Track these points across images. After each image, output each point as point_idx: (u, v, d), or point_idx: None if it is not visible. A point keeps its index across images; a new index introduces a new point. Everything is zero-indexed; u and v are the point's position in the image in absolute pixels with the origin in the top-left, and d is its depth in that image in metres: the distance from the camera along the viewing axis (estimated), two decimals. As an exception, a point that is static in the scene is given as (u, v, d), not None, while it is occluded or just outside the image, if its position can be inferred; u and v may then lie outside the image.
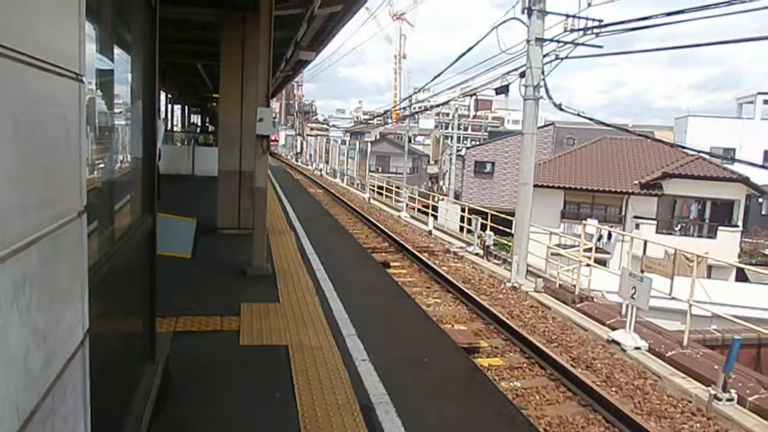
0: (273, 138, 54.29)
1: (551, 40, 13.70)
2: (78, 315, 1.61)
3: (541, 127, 34.26)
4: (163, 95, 26.05)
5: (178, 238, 6.10)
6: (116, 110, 3.34)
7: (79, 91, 1.49)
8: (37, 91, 1.22)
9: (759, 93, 41.25)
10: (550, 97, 13.64)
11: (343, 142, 56.31)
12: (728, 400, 6.72)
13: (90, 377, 1.74)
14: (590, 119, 15.50)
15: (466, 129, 77.62)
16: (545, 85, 13.64)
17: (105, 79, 2.89)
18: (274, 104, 45.66)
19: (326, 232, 11.96)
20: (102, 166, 2.92)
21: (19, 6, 1.13)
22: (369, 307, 6.83)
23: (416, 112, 53.27)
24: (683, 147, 29.90)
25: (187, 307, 6.16)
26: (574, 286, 11.53)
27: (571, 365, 7.90)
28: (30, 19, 1.19)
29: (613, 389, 7.38)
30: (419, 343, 5.91)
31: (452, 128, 49.57)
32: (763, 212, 36.41)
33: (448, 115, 72.11)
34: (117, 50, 3.15)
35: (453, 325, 9.38)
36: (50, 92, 1.30)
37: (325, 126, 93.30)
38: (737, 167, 27.42)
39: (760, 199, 34.40)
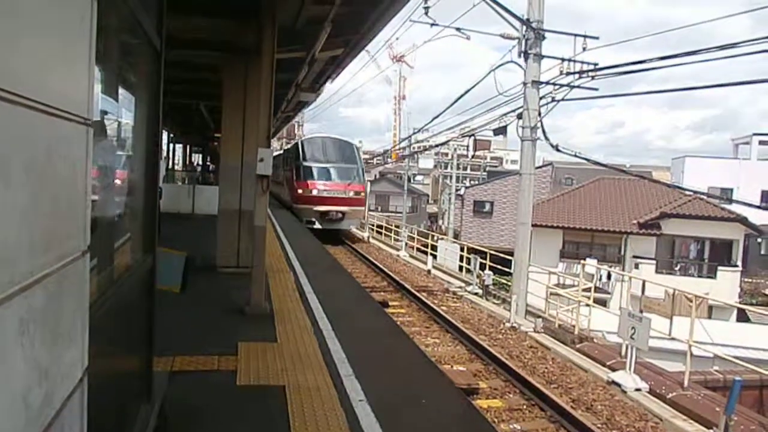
0: (359, 189, 24.74)
1: (547, 83, 13.97)
2: (78, 353, 1.63)
3: (540, 167, 34.53)
4: (164, 134, 26.34)
5: (168, 271, 6.10)
6: (120, 150, 3.41)
7: (87, 135, 1.55)
8: (48, 136, 1.28)
9: (755, 134, 41.76)
10: (547, 138, 13.84)
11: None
12: (730, 443, 6.63)
13: (87, 416, 1.75)
14: (586, 160, 15.69)
15: (465, 169, 78.13)
16: (542, 126, 13.86)
17: (110, 121, 2.97)
18: (275, 143, 44.26)
19: (325, 271, 11.95)
20: (105, 205, 2.97)
21: (33, 56, 1.19)
22: (367, 348, 6.79)
23: (416, 152, 53.65)
24: (680, 187, 30.11)
25: (185, 346, 6.13)
26: (574, 326, 11.47)
27: (572, 407, 7.82)
28: (43, 68, 1.25)
29: (614, 432, 7.29)
30: (417, 384, 5.86)
31: (451, 168, 49.94)
32: (762, 252, 36.39)
33: (447, 155, 72.69)
34: (123, 92, 3.23)
35: (452, 366, 9.31)
36: (60, 137, 1.36)
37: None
38: (735, 207, 27.57)
39: (759, 239, 34.45)
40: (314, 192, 23.88)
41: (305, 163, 24.65)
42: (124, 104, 3.28)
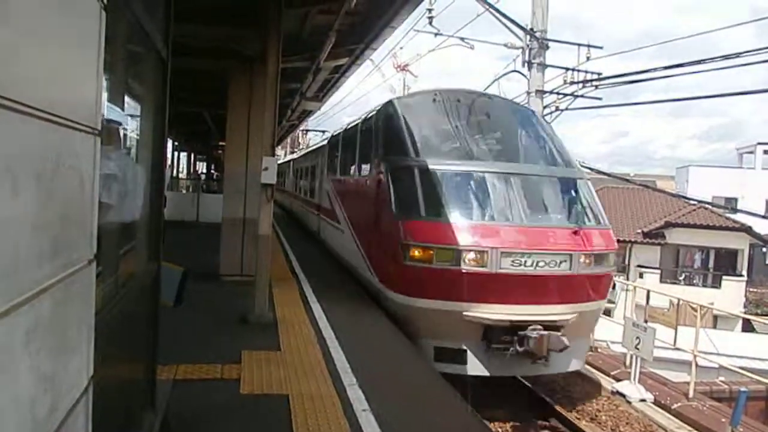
0: (605, 242, 7.26)
1: (551, 92, 13.98)
2: (83, 361, 1.63)
3: (543, 176, 34.36)
4: (169, 142, 26.39)
5: (164, 284, 6.12)
6: (126, 159, 3.43)
7: (95, 145, 1.56)
8: (58, 146, 1.29)
9: (759, 143, 41.66)
10: (550, 147, 13.80)
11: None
12: (737, 454, 6.54)
13: (92, 424, 1.75)
14: (590, 169, 15.69)
15: (468, 177, 77.79)
16: (546, 135, 13.84)
17: (117, 130, 2.98)
18: (279, 151, 43.58)
19: (329, 278, 11.92)
20: (110, 213, 2.98)
21: (42, 66, 1.20)
22: (371, 356, 6.76)
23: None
24: (684, 197, 30.06)
25: (188, 354, 6.12)
26: (578, 335, 11.42)
27: (576, 418, 7.77)
28: (52, 78, 1.26)
29: (619, 442, 7.23)
30: (422, 393, 5.83)
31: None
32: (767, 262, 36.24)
33: (450, 163, 72.44)
34: (129, 101, 3.25)
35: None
36: (69, 147, 1.37)
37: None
38: (740, 217, 27.49)
39: (764, 249, 34.30)
40: (469, 257, 7.85)
41: (425, 164, 8.77)
42: (130, 113, 3.29)
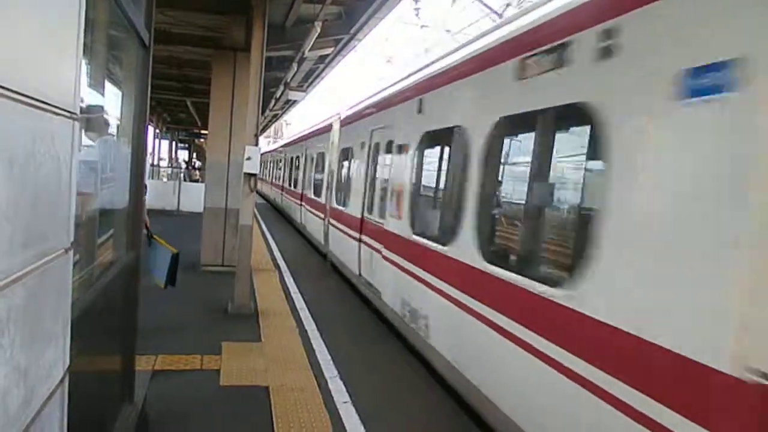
0: None
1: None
2: (59, 352, 1.59)
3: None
4: (150, 130, 26.07)
5: (160, 263, 6.11)
6: (106, 145, 3.36)
7: (73, 130, 1.51)
8: (34, 130, 1.24)
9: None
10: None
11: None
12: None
13: (67, 416, 1.71)
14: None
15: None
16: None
17: (97, 115, 2.92)
18: (262, 140, 43.10)
19: (310, 269, 11.89)
20: (89, 201, 2.92)
21: (18, 48, 1.15)
22: (353, 348, 6.75)
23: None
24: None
25: (168, 344, 6.06)
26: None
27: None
28: (29, 60, 1.22)
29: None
30: (403, 385, 5.83)
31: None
32: None
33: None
34: (110, 87, 3.19)
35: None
36: (46, 131, 1.32)
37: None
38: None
39: None
40: None
41: None
42: (111, 99, 3.23)
